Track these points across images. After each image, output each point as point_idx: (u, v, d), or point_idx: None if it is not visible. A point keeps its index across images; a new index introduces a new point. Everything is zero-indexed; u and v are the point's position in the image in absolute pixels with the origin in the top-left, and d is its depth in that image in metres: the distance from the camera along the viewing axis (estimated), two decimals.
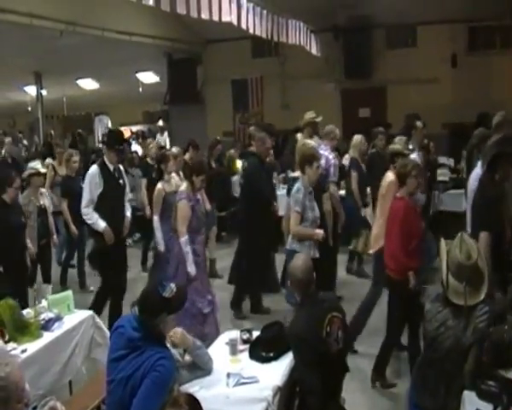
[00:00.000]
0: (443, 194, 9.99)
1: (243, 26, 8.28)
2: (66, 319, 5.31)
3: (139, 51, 14.81)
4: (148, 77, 18.81)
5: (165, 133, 16.61)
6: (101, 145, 17.18)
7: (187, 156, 9.11)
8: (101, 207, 6.61)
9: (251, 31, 8.66)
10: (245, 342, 4.54)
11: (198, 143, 9.65)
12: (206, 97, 17.42)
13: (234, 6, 7.71)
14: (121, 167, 7.10)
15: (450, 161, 11.51)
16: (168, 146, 15.48)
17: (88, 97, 20.24)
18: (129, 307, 3.75)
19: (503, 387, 3.31)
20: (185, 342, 3.97)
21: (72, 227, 8.61)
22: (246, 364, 4.26)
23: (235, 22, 7.89)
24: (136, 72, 18.11)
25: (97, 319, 5.64)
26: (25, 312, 5.15)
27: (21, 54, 13.36)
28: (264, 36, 9.27)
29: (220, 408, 3.69)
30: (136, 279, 7.86)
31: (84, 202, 6.66)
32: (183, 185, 6.33)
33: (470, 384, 3.49)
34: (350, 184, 8.94)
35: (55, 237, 8.21)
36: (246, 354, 4.39)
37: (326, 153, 7.85)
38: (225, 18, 7.48)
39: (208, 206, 7.76)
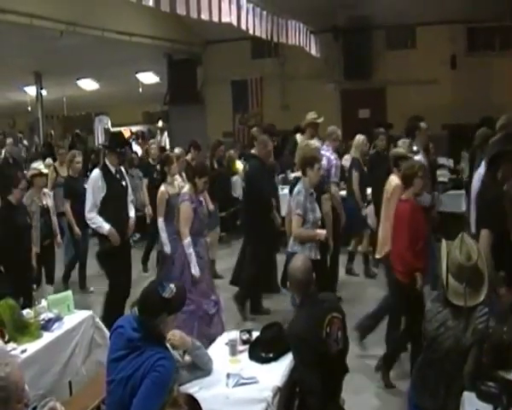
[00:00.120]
0: (442, 195, 9.99)
1: (243, 26, 8.29)
2: (66, 319, 5.32)
3: (139, 52, 14.82)
4: (148, 77, 18.82)
5: (165, 134, 16.64)
6: (100, 146, 17.21)
7: (188, 157, 9.11)
8: (105, 210, 6.59)
9: (251, 31, 8.66)
10: (244, 342, 4.54)
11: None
12: (205, 98, 17.42)
13: (233, 7, 7.71)
14: (123, 169, 7.10)
15: (450, 162, 11.52)
16: (168, 146, 15.51)
17: (88, 98, 20.26)
18: (129, 307, 3.76)
19: (502, 388, 3.31)
20: (184, 344, 3.97)
21: (76, 228, 8.61)
22: (245, 364, 4.26)
23: (234, 23, 7.89)
24: (136, 72, 18.13)
25: (97, 320, 5.65)
26: (25, 312, 5.15)
27: (21, 54, 13.36)
28: (263, 36, 9.27)
29: (220, 409, 3.69)
30: (138, 280, 7.86)
31: (87, 206, 6.64)
32: (186, 187, 6.34)
33: (470, 385, 3.50)
34: (350, 184, 8.94)
35: (58, 237, 8.24)
36: (245, 355, 4.39)
37: (328, 153, 7.86)
38: (225, 19, 7.48)
39: (211, 206, 7.76)
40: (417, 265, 5.36)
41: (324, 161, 7.49)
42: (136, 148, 15.46)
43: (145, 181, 10.13)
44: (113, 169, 6.73)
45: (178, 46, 16.01)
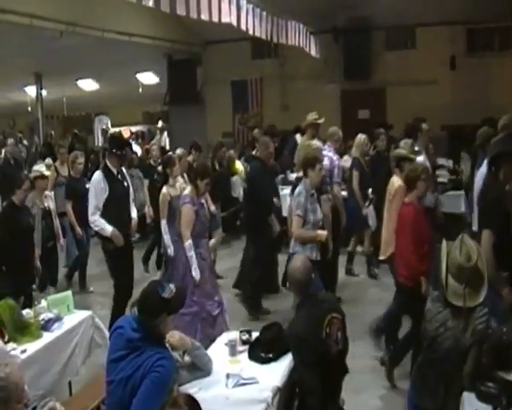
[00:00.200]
0: (442, 195, 9.99)
1: (243, 27, 8.28)
2: (65, 319, 5.32)
3: (139, 52, 14.82)
4: (148, 77, 18.83)
5: (165, 133, 16.64)
6: (99, 145, 17.24)
7: (190, 158, 9.11)
8: (107, 211, 6.58)
9: (250, 32, 8.66)
10: (244, 342, 4.54)
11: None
12: (205, 98, 17.42)
13: (233, 7, 7.70)
14: (124, 169, 7.10)
15: (449, 163, 11.52)
16: (168, 147, 15.50)
17: (88, 98, 20.26)
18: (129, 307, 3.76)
19: (502, 388, 3.31)
20: (183, 344, 3.96)
21: (78, 229, 8.65)
22: (245, 365, 4.26)
23: (234, 23, 7.89)
24: (136, 72, 18.12)
25: (97, 320, 5.65)
26: (24, 312, 5.16)
27: (21, 54, 13.37)
28: (263, 37, 9.26)
29: (220, 409, 3.69)
30: (139, 280, 7.85)
31: (90, 210, 6.63)
32: (188, 189, 6.35)
33: (469, 386, 3.50)
34: (351, 184, 8.95)
35: (62, 240, 8.26)
36: (245, 355, 4.39)
37: (330, 154, 7.87)
38: (225, 19, 7.47)
39: (213, 208, 7.76)
40: (422, 268, 5.32)
41: (327, 162, 7.49)
42: (136, 148, 15.46)
43: (146, 182, 10.12)
44: (114, 170, 6.73)
45: (178, 46, 16.01)
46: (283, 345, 4.27)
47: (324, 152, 7.56)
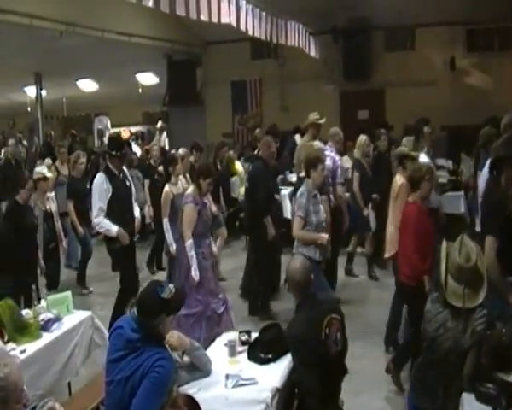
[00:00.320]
0: (441, 196, 10.00)
1: (242, 27, 8.29)
2: (65, 319, 5.32)
3: (139, 52, 14.80)
4: (148, 78, 18.81)
5: (164, 134, 16.63)
6: (97, 144, 17.24)
7: (191, 159, 9.12)
8: (112, 211, 6.59)
9: (250, 32, 8.66)
10: (243, 343, 4.54)
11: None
12: (205, 99, 17.42)
13: (233, 8, 7.71)
14: (125, 169, 7.11)
15: (449, 164, 11.52)
16: (167, 147, 15.49)
17: (87, 98, 20.24)
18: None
19: (501, 390, 3.31)
20: (183, 345, 3.96)
21: (79, 228, 8.69)
22: (244, 365, 4.26)
23: (234, 24, 7.89)
24: (136, 73, 18.11)
25: (96, 320, 5.65)
26: (24, 312, 5.16)
27: (21, 54, 13.35)
28: (263, 38, 9.27)
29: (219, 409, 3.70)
30: (142, 280, 7.86)
31: (94, 212, 6.64)
32: (190, 189, 6.35)
33: (469, 387, 3.50)
34: (352, 185, 8.96)
35: (64, 242, 8.29)
36: (244, 356, 4.39)
37: (332, 154, 7.87)
38: (224, 20, 7.48)
39: (214, 208, 7.76)
40: (424, 268, 5.28)
41: (329, 162, 7.49)
42: (136, 148, 15.46)
43: (146, 182, 10.12)
44: (116, 171, 6.74)
45: (178, 47, 16.00)
46: (283, 346, 4.27)
47: (326, 152, 7.57)
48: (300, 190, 6.19)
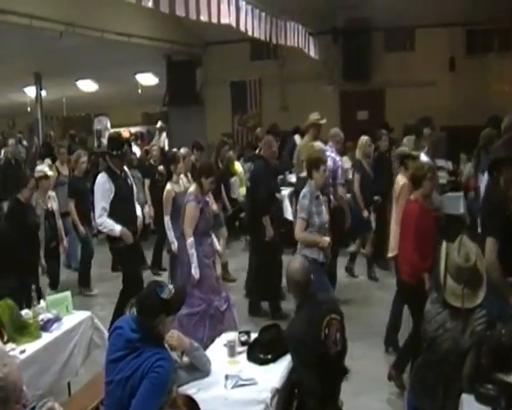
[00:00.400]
0: (441, 197, 10.00)
1: (242, 28, 8.29)
2: (64, 319, 5.32)
3: (138, 53, 14.81)
4: (148, 78, 18.81)
5: (164, 134, 16.63)
6: (96, 145, 17.22)
7: (192, 158, 9.12)
8: (115, 211, 6.55)
9: (249, 33, 8.66)
10: (243, 343, 4.54)
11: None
12: (205, 99, 17.43)
13: (232, 8, 7.71)
14: (126, 168, 7.10)
15: (449, 165, 11.53)
16: (167, 147, 15.49)
17: (87, 98, 20.24)
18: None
19: (501, 390, 3.32)
20: (182, 345, 3.97)
21: (81, 227, 8.69)
22: (244, 366, 4.26)
23: (233, 24, 7.89)
24: (136, 73, 18.11)
25: (96, 320, 5.66)
26: (23, 312, 5.16)
27: (21, 55, 13.35)
28: (262, 38, 9.27)
29: None
30: (146, 279, 7.86)
31: (96, 212, 6.58)
32: (192, 187, 6.36)
33: (468, 387, 3.50)
34: (352, 186, 8.96)
35: (65, 241, 8.29)
36: (244, 356, 4.39)
37: (333, 154, 7.87)
38: (224, 20, 7.48)
39: (215, 207, 7.77)
40: (424, 267, 5.24)
41: (330, 163, 7.48)
42: (136, 149, 15.44)
43: (147, 182, 10.12)
44: (117, 170, 6.73)
45: (178, 47, 16.00)
46: (282, 346, 4.27)
47: (327, 153, 7.57)
48: (303, 191, 6.15)
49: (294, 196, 9.21)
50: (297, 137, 11.41)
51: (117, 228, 6.52)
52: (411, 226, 5.41)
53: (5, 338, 4.77)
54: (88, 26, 11.72)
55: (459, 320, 3.62)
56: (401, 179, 6.55)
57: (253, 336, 4.60)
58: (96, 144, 18.05)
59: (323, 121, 8.53)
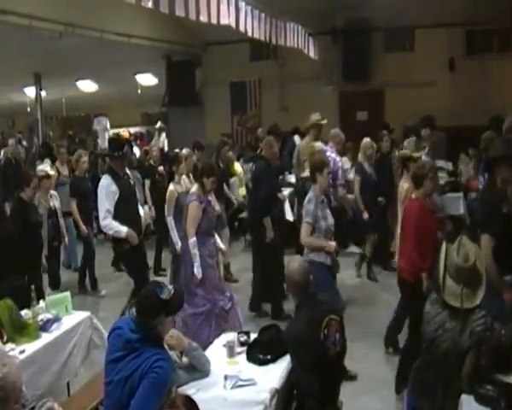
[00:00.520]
0: (440, 197, 10.00)
1: (241, 28, 8.28)
2: (64, 320, 5.32)
3: (138, 53, 14.80)
4: (147, 79, 18.80)
5: (163, 134, 16.63)
6: (92, 146, 17.21)
7: (194, 158, 9.11)
8: (119, 212, 6.51)
9: (249, 33, 8.66)
10: (242, 344, 4.55)
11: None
12: (204, 99, 17.42)
13: (232, 9, 7.71)
14: (127, 169, 7.09)
15: (449, 165, 11.53)
16: (166, 148, 15.48)
17: (87, 99, 20.24)
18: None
19: (500, 391, 3.32)
20: (181, 344, 3.97)
21: (83, 227, 8.68)
22: (243, 366, 4.26)
23: (233, 25, 7.89)
24: (135, 74, 18.10)
25: (95, 321, 5.66)
26: (23, 313, 5.16)
27: (21, 55, 13.34)
28: (262, 39, 9.26)
29: None
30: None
31: (101, 214, 6.52)
32: (194, 187, 6.37)
33: (468, 388, 3.50)
34: (352, 186, 8.96)
35: (66, 239, 8.31)
36: (243, 357, 4.39)
37: (333, 155, 7.86)
38: (224, 21, 7.48)
39: (217, 207, 7.76)
40: (424, 266, 5.22)
41: (330, 163, 7.48)
42: (135, 149, 15.43)
43: (147, 182, 10.11)
44: (119, 171, 6.72)
45: (177, 48, 16.00)
46: (281, 347, 4.27)
47: (327, 153, 7.56)
48: (308, 196, 6.07)
49: (295, 197, 9.22)
50: (297, 138, 11.42)
51: (123, 229, 6.49)
52: (411, 225, 5.40)
53: (5, 338, 4.78)
54: (88, 27, 11.72)
55: (458, 321, 3.62)
56: (405, 183, 6.54)
57: (253, 336, 4.60)
58: (92, 145, 18.04)
59: (324, 122, 8.53)
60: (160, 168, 10.07)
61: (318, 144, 8.14)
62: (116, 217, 6.50)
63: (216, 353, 4.48)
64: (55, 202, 8.06)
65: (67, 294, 5.71)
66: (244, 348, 4.47)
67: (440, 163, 11.25)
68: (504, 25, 13.28)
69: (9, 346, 4.71)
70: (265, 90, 16.78)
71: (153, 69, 17.95)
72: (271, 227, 7.44)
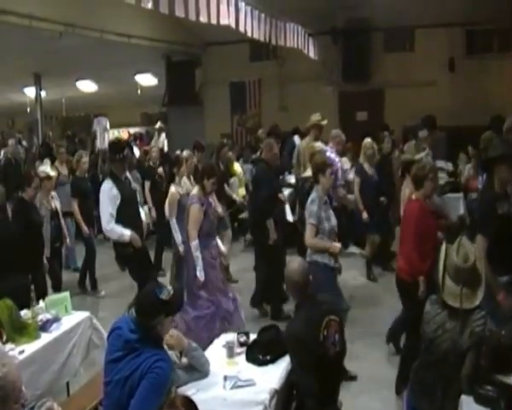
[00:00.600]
0: (440, 198, 10.00)
1: (241, 29, 8.28)
2: (63, 320, 5.32)
3: (138, 53, 14.79)
4: (147, 79, 18.80)
5: (163, 135, 16.63)
6: (90, 147, 17.22)
7: (194, 159, 9.11)
8: (121, 215, 6.50)
9: (249, 34, 8.66)
10: (242, 344, 4.54)
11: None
12: (204, 99, 17.41)
13: (232, 9, 7.71)
14: (127, 173, 7.08)
15: (449, 166, 11.53)
16: (166, 148, 15.48)
17: (87, 99, 20.23)
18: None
19: (500, 392, 3.32)
20: (181, 344, 3.97)
21: (84, 227, 8.67)
22: (243, 367, 4.26)
23: (233, 25, 7.89)
24: (135, 74, 18.11)
25: (95, 321, 5.66)
26: (22, 313, 5.16)
27: (21, 55, 13.34)
28: (262, 39, 9.26)
29: None
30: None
31: (104, 219, 6.51)
32: (195, 189, 6.36)
33: (468, 388, 3.50)
34: (352, 187, 8.97)
35: (68, 240, 8.31)
36: (243, 357, 4.39)
37: (332, 155, 7.86)
38: (223, 21, 7.47)
39: (220, 209, 7.75)
40: (423, 267, 5.20)
41: None
42: (135, 149, 15.43)
43: (147, 184, 10.10)
44: (120, 175, 6.71)
45: (177, 48, 16.00)
46: (281, 347, 4.27)
47: (327, 153, 7.56)
48: (311, 197, 6.04)
49: (297, 197, 9.21)
50: (296, 138, 11.41)
51: (127, 233, 6.48)
52: (411, 226, 5.39)
53: (4, 338, 4.77)
54: (88, 27, 11.72)
55: (458, 321, 3.62)
56: (407, 187, 6.54)
57: (252, 336, 4.60)
58: (91, 146, 18.05)
59: (325, 122, 8.52)
60: (160, 170, 10.06)
61: (318, 145, 8.13)
62: (118, 220, 6.49)
63: (215, 353, 4.48)
64: (57, 203, 8.05)
65: (67, 294, 5.71)
66: (243, 349, 4.47)
67: (440, 163, 11.26)
68: (504, 25, 13.27)
69: (9, 346, 4.70)
70: (265, 91, 16.77)
71: (153, 69, 17.95)
72: (274, 229, 7.43)
